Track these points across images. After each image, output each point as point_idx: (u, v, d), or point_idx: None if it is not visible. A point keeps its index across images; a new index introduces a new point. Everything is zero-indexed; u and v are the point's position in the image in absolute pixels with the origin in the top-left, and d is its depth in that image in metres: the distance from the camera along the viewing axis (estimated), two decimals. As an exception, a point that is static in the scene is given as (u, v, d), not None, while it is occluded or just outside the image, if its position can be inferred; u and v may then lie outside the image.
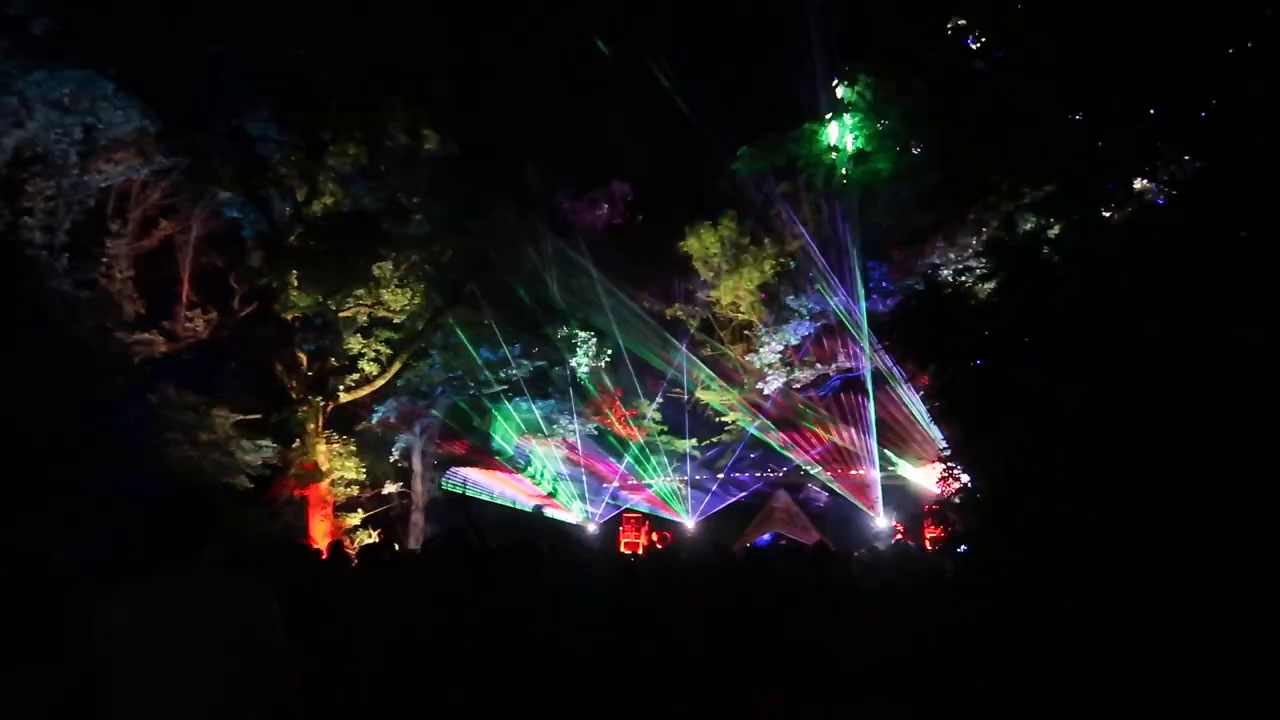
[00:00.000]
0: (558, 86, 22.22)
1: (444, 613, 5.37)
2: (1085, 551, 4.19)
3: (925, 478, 21.61)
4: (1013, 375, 5.82)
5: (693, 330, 24.42)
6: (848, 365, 22.72)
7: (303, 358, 20.30)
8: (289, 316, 19.67)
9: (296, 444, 19.96)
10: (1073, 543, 4.33)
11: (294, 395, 19.94)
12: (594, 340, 23.03)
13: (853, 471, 23.19)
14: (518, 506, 24.50)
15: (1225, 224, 4.71)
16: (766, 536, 21.36)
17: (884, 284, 21.92)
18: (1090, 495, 4.33)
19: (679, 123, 22.39)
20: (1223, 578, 3.78)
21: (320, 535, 19.59)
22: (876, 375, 22.54)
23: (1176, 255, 4.61)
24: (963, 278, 7.97)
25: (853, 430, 23.06)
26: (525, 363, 23.56)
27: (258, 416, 19.80)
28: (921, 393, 16.20)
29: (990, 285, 7.61)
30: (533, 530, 20.28)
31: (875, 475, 22.42)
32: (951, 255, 17.68)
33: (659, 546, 21.08)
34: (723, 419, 24.71)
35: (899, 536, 20.55)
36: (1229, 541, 3.78)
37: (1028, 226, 10.08)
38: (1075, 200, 7.79)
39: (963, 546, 11.39)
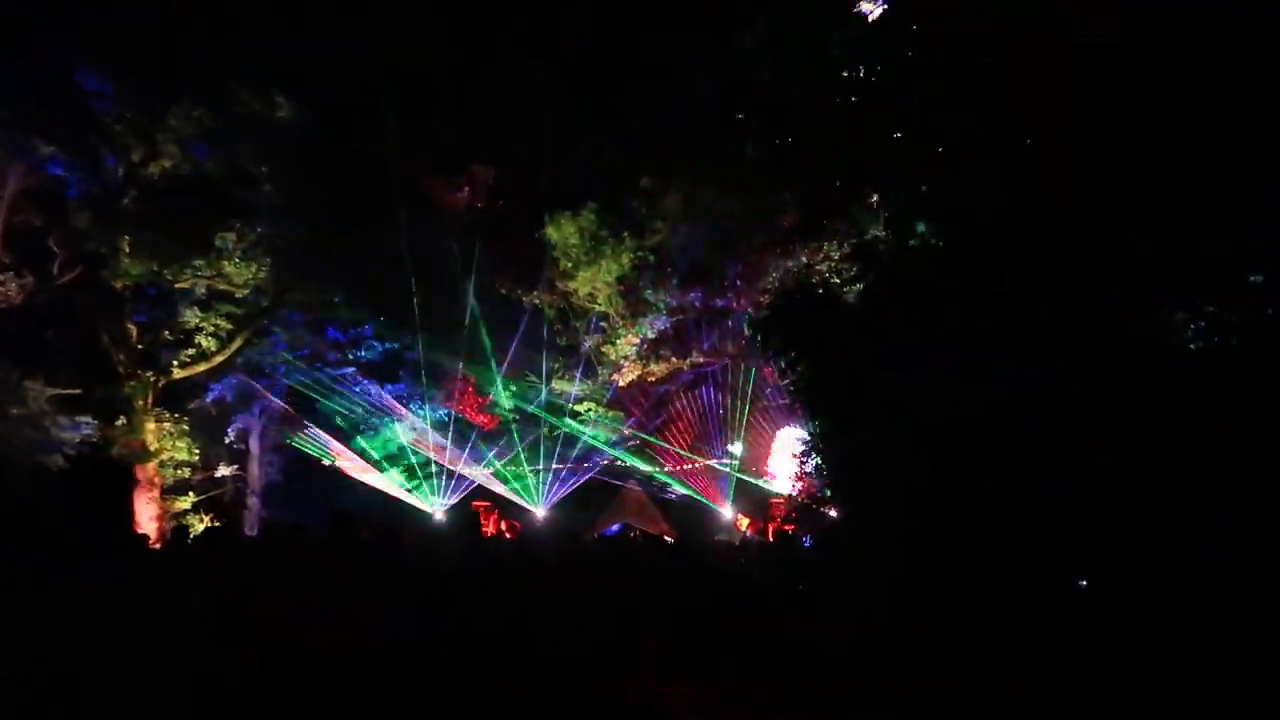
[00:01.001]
0: (424, 66, 21.63)
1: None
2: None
3: (769, 471, 22.48)
4: (882, 380, 6.13)
5: (550, 319, 24.35)
6: (700, 360, 23.24)
7: (133, 329, 18.97)
8: (119, 285, 18.35)
9: (122, 421, 18.67)
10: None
11: (121, 369, 18.63)
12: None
13: (701, 464, 23.80)
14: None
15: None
16: (616, 526, 21.62)
17: (738, 282, 22.54)
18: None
19: (545, 109, 22.30)
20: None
21: (146, 519, 18.42)
22: (727, 371, 23.25)
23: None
24: (834, 279, 8.34)
25: (702, 423, 23.68)
26: (376, 344, 22.87)
27: (78, 391, 18.40)
28: (787, 387, 16.77)
29: (857, 288, 8.04)
30: (381, 517, 19.75)
31: (722, 467, 23.11)
32: (804, 258, 18.48)
33: (507, 535, 20.98)
34: (576, 409, 24.79)
35: (744, 528, 21.30)
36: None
37: (879, 233, 10.71)
38: (921, 215, 8.33)
39: (806, 540, 11.97)
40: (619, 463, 24.69)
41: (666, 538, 15.48)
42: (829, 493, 8.21)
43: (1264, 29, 4.58)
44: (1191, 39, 4.71)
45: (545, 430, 24.90)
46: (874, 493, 6.12)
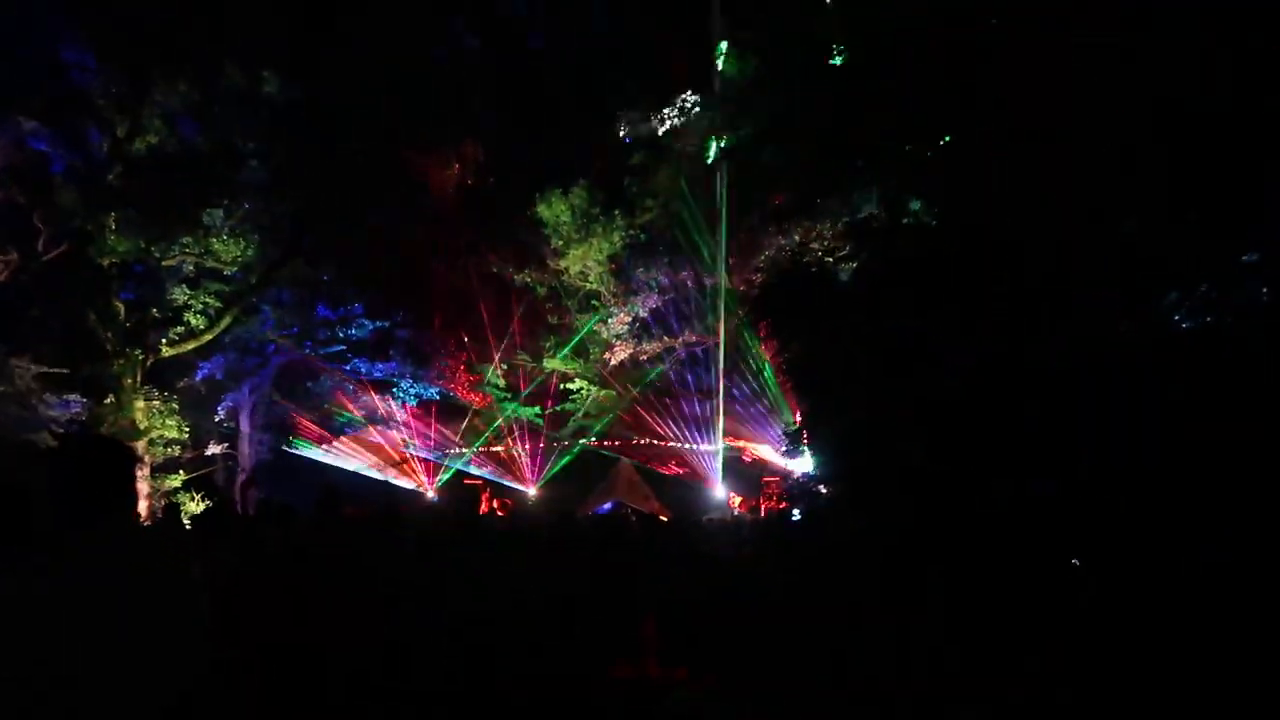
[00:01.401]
0: (413, 38, 21.36)
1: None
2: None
3: (761, 451, 22.49)
4: (875, 361, 6.06)
5: (541, 297, 24.24)
6: (693, 340, 23.18)
7: (120, 307, 18.75)
8: (105, 262, 18.10)
9: (110, 400, 18.51)
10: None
11: (109, 348, 18.43)
12: None
13: (692, 445, 23.79)
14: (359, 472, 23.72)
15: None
16: (608, 505, 21.60)
17: (730, 261, 22.42)
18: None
19: (537, 87, 22.10)
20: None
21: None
22: (720, 349, 23.19)
23: None
24: (828, 259, 8.26)
25: (694, 403, 23.63)
26: (366, 322, 22.72)
27: (65, 370, 18.23)
28: (781, 364, 16.69)
29: (851, 266, 7.96)
30: (381, 496, 19.73)
31: (714, 447, 23.09)
32: (797, 237, 18.37)
33: (500, 514, 20.95)
34: (569, 387, 24.74)
35: (736, 506, 21.32)
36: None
37: (873, 211, 10.62)
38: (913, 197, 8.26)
39: (795, 515, 11.97)
40: (611, 441, 24.67)
41: (661, 516, 15.49)
42: (821, 471, 8.18)
43: (1263, 29, 4.52)
44: (1191, 39, 4.64)
45: (537, 409, 24.85)
46: (867, 473, 6.09)
